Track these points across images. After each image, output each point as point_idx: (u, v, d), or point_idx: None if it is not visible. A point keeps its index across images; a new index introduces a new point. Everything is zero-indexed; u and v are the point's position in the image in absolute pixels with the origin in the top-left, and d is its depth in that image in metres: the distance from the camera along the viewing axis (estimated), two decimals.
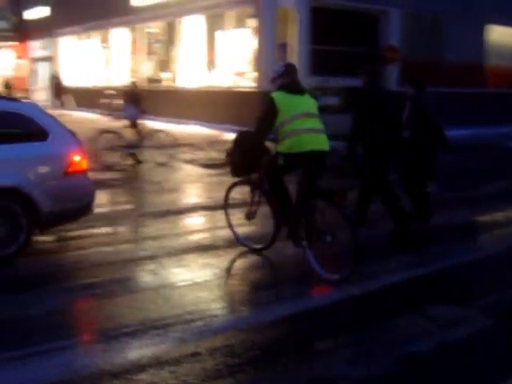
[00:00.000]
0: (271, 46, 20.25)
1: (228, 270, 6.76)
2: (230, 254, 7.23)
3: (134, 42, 28.31)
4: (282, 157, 6.62)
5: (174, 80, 25.81)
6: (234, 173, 7.22)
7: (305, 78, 20.49)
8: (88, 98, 30.29)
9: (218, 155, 14.11)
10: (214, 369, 4.34)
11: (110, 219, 9.15)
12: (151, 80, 26.88)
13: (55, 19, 34.05)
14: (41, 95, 36.61)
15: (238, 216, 7.68)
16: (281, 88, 6.69)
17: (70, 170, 7.21)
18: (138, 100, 14.79)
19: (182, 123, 22.26)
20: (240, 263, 6.98)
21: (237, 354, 4.58)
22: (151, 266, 6.76)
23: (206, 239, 7.80)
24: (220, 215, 7.65)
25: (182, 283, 6.29)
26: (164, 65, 26.85)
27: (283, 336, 5.04)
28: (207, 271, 6.66)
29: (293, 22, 20.71)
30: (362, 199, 8.13)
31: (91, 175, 6.73)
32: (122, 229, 8.74)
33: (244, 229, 7.75)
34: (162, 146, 14.97)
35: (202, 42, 23.71)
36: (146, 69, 27.52)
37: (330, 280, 6.25)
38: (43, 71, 37.37)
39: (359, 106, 8.17)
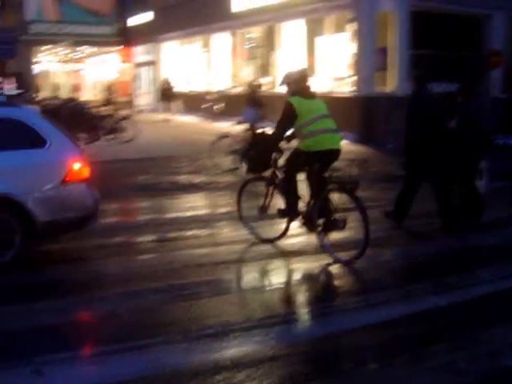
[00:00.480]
0: (370, 51, 20.03)
1: (313, 276, 6.78)
2: (318, 259, 7.22)
3: (235, 46, 28.70)
4: (302, 154, 7.21)
5: (273, 84, 25.96)
6: (250, 170, 7.99)
7: (403, 83, 20.19)
8: (189, 103, 30.94)
9: None
10: (291, 374, 4.37)
11: (204, 222, 9.35)
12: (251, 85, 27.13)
13: (158, 25, 34.93)
14: (144, 99, 37.63)
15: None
16: (296, 93, 7.28)
17: (69, 178, 6.98)
18: (258, 104, 14.45)
19: None
20: (326, 269, 6.97)
21: (314, 361, 4.61)
22: (238, 270, 6.86)
23: (295, 245, 7.81)
24: None
25: (267, 287, 6.38)
26: (264, 69, 27.07)
27: (362, 344, 4.99)
28: (293, 276, 6.73)
29: (392, 26, 20.44)
30: (442, 198, 8.37)
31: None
32: (213, 231, 8.89)
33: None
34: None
35: (302, 47, 23.75)
36: (246, 73, 27.82)
37: (341, 261, 6.90)
38: (146, 76, 38.38)
39: (409, 113, 8.33)
